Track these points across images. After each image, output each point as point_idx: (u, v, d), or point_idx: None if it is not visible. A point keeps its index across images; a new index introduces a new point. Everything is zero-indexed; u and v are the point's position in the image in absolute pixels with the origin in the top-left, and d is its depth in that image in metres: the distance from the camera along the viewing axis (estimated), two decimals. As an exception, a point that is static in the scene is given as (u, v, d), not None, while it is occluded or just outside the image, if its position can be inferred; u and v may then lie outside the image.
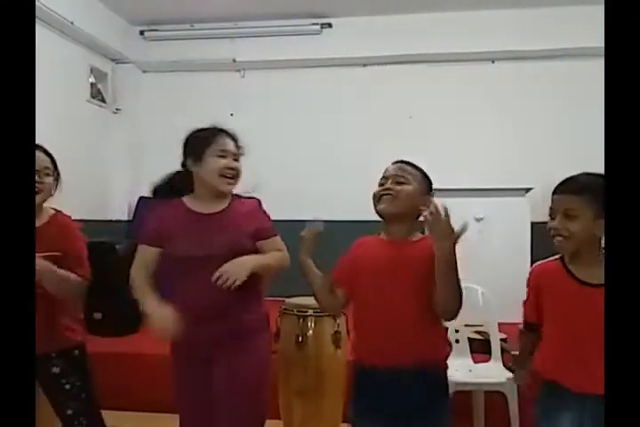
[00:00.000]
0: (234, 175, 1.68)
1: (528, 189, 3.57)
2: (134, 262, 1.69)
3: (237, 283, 1.48)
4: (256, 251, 1.65)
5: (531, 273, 1.52)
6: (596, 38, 4.09)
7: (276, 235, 1.72)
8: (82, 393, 1.72)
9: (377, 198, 1.50)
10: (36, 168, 1.62)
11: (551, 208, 1.38)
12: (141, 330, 3.13)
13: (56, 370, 1.69)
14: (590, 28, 4.13)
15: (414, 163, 1.60)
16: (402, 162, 1.59)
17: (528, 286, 1.51)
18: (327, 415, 2.27)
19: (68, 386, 1.70)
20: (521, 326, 1.57)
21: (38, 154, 1.67)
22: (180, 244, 1.61)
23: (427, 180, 1.58)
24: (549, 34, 4.24)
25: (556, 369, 1.39)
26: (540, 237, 3.54)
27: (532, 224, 3.53)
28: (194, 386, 1.64)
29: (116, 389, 2.48)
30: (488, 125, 4.48)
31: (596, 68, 4.29)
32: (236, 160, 1.72)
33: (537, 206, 3.51)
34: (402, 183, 1.49)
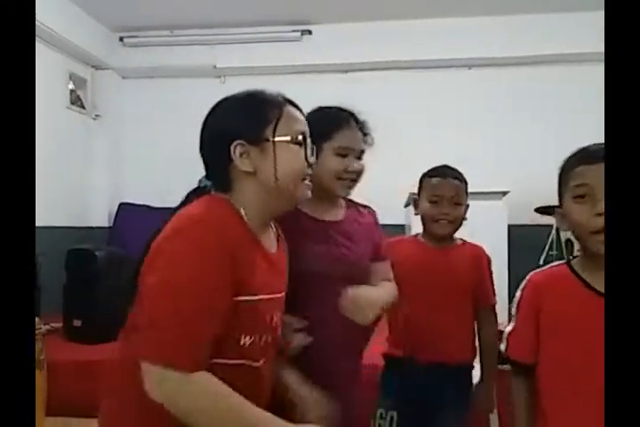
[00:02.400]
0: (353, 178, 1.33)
1: (505, 193, 3.64)
2: None
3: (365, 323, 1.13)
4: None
5: (525, 287, 1.12)
6: (571, 44, 4.26)
7: (387, 258, 1.41)
8: None
9: (432, 220, 1.49)
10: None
11: (581, 185, 0.99)
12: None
13: None
14: (566, 34, 4.28)
15: (458, 171, 1.56)
16: (452, 175, 1.53)
17: (519, 306, 1.11)
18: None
19: None
20: (506, 368, 1.16)
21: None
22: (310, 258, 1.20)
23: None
24: (525, 41, 4.34)
25: None
26: (517, 239, 3.65)
27: (509, 227, 3.60)
28: None
29: (95, 396, 2.46)
30: (465, 131, 4.55)
31: (571, 73, 4.46)
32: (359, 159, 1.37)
33: (513, 210, 3.60)
34: (457, 204, 1.48)
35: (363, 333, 1.28)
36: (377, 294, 1.20)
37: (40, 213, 1.82)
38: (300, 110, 1.14)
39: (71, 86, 4.48)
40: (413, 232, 3.64)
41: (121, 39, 4.74)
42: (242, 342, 0.95)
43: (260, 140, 1.01)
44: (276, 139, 1.01)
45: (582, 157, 1.01)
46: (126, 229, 4.40)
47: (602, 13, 3.46)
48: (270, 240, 1.09)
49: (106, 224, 4.63)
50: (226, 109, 1.11)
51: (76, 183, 4.40)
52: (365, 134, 1.43)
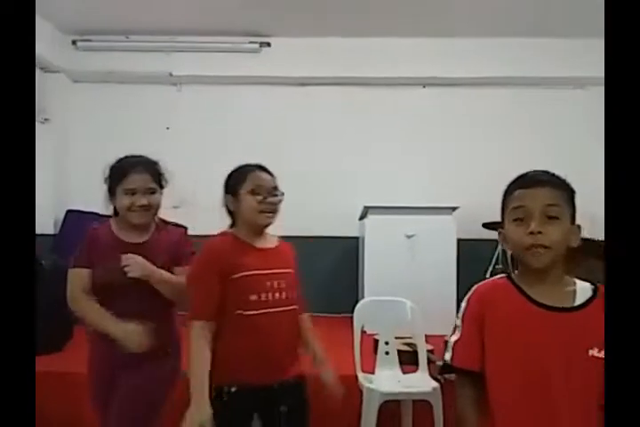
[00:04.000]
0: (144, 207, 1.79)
1: (454, 208, 3.77)
2: (74, 285, 1.75)
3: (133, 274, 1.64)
4: None
5: (469, 298, 1.17)
6: (522, 67, 4.48)
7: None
8: None
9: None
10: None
11: (519, 207, 1.08)
12: (65, 348, 3.01)
13: None
14: (517, 57, 4.50)
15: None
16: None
17: (464, 316, 1.15)
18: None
19: None
20: (450, 377, 1.21)
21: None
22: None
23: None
24: (479, 62, 4.53)
25: None
26: (466, 253, 3.78)
27: (458, 241, 3.73)
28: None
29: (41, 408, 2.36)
30: (419, 147, 4.70)
31: (518, 96, 4.68)
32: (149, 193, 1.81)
33: (462, 224, 3.73)
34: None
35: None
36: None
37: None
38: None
39: (19, 88, 4.32)
40: (367, 244, 3.75)
41: (74, 42, 4.62)
42: (251, 299, 1.52)
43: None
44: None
45: (520, 181, 1.13)
46: (73, 236, 4.24)
47: (556, 40, 3.64)
48: (266, 242, 1.65)
49: (51, 231, 4.47)
50: None
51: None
52: (154, 175, 1.82)
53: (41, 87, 4.58)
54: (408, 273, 3.59)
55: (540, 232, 1.05)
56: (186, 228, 1.94)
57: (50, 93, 4.62)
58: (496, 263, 4.01)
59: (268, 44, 4.67)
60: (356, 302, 2.67)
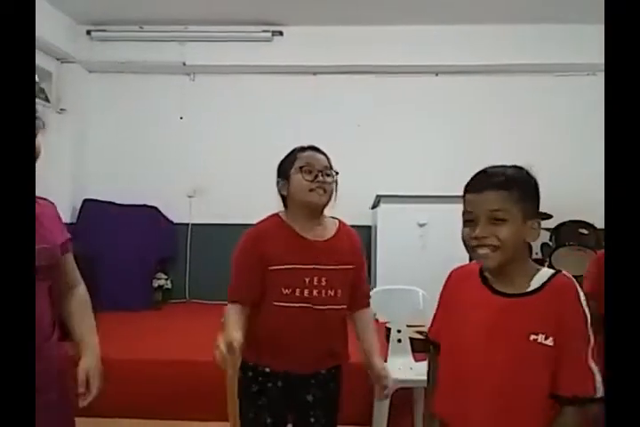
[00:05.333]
0: None
1: (467, 197, 3.76)
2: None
3: None
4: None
5: (446, 278, 1.27)
6: (538, 55, 4.42)
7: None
8: None
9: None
10: (318, 168, 1.52)
11: (468, 212, 1.11)
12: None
13: None
14: (531, 44, 4.44)
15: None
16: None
17: (440, 293, 1.27)
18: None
19: None
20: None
21: (318, 155, 1.56)
22: None
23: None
24: (491, 49, 4.47)
25: (447, 411, 1.15)
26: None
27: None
28: None
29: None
30: (432, 135, 4.67)
31: (533, 83, 4.63)
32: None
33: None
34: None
35: None
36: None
37: None
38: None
39: (36, 79, 4.38)
40: (379, 232, 3.77)
41: (88, 33, 4.66)
42: (284, 292, 1.49)
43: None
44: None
45: (471, 185, 1.14)
46: (90, 226, 4.33)
47: (563, 26, 3.60)
48: (319, 232, 1.55)
49: (68, 220, 4.55)
50: None
51: (37, 178, 4.27)
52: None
53: (58, 78, 4.64)
54: (420, 262, 3.60)
55: (484, 237, 1.07)
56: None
57: (66, 84, 4.68)
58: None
59: (281, 33, 4.65)
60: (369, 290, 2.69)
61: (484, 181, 1.11)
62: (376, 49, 4.54)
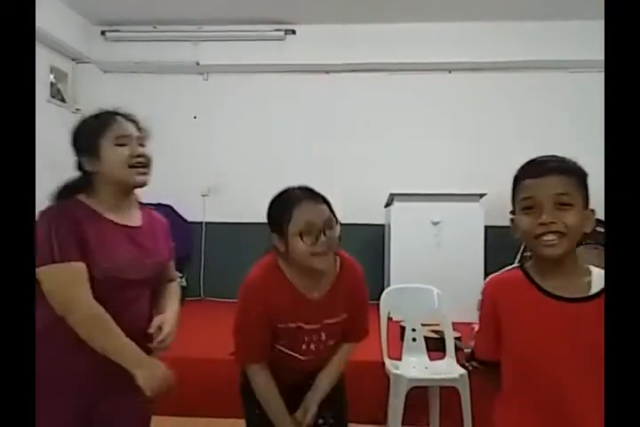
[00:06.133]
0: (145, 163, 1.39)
1: (482, 195, 3.73)
2: (77, 287, 1.22)
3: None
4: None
5: (484, 290, 1.18)
6: (548, 51, 4.37)
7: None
8: None
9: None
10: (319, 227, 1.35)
11: (527, 198, 1.05)
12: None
13: None
14: (543, 41, 4.39)
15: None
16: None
17: (481, 308, 1.18)
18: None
19: None
20: (474, 364, 1.25)
21: (317, 208, 1.38)
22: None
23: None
24: (504, 46, 4.44)
25: None
26: (494, 240, 3.74)
27: (486, 228, 3.69)
28: None
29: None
30: (445, 133, 4.64)
31: (546, 80, 4.58)
32: (142, 146, 1.43)
33: (490, 211, 3.69)
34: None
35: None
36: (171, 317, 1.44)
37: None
38: None
39: (52, 79, 4.42)
40: (393, 231, 3.76)
41: (103, 33, 4.70)
42: (284, 351, 1.45)
43: None
44: None
45: (528, 170, 1.08)
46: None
47: (578, 22, 3.56)
48: (320, 285, 1.44)
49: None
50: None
51: (53, 177, 4.33)
52: (135, 122, 1.49)
53: (73, 78, 4.69)
54: (434, 260, 3.59)
55: (552, 222, 1.02)
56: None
57: (81, 84, 4.73)
58: (524, 251, 3.96)
59: (293, 32, 4.65)
60: (382, 289, 2.69)
61: (545, 166, 1.05)
62: (388, 47, 4.52)
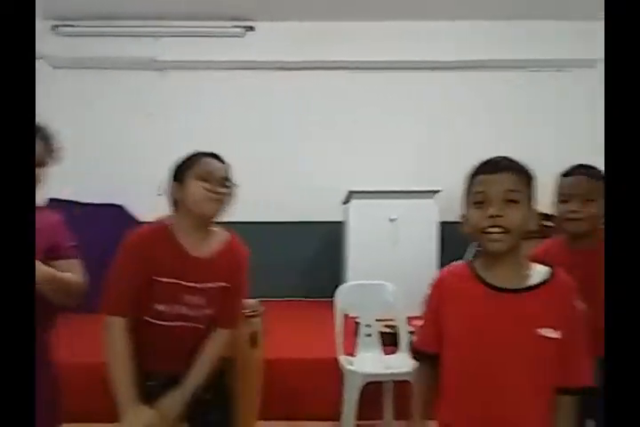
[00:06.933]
0: None
1: (436, 192, 3.79)
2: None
3: None
4: None
5: (432, 284, 1.22)
6: (512, 51, 4.48)
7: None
8: None
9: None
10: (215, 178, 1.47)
11: (478, 192, 1.12)
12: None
13: None
14: (510, 40, 4.50)
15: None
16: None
17: (426, 301, 1.22)
18: (242, 415, 2.30)
19: None
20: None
21: (218, 164, 1.51)
22: None
23: None
24: (465, 45, 4.52)
25: (460, 416, 1.11)
26: (448, 236, 3.79)
27: (441, 224, 3.76)
28: None
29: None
30: (402, 131, 4.68)
31: (510, 78, 4.68)
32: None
33: (445, 207, 3.75)
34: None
35: None
36: None
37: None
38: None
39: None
40: (351, 228, 3.78)
41: (54, 27, 4.55)
42: (159, 309, 1.43)
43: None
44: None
45: (482, 167, 1.14)
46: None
47: (549, 22, 3.62)
48: (205, 246, 1.48)
49: (35, 219, 4.44)
50: None
51: None
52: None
53: (21, 74, 4.53)
54: (391, 257, 3.62)
55: (499, 215, 1.07)
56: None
57: (30, 80, 4.57)
58: (478, 245, 4.04)
59: (252, 29, 4.62)
60: (340, 286, 2.70)
61: (500, 164, 1.12)
62: (348, 45, 4.53)
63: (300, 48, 4.56)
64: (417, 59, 4.59)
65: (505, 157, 1.15)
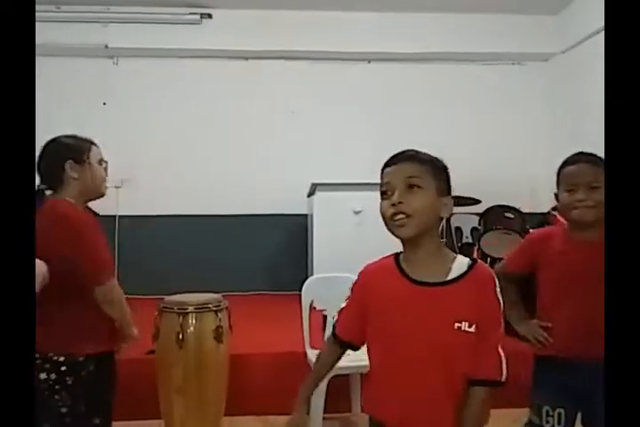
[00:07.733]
0: None
1: (400, 184, 3.81)
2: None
3: None
4: None
5: (359, 273, 1.24)
6: (469, 44, 4.55)
7: None
8: None
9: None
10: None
11: (385, 184, 1.14)
12: None
13: None
14: (466, 33, 4.56)
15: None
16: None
17: (352, 289, 1.22)
18: (209, 410, 2.26)
19: None
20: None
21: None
22: None
23: None
24: (423, 37, 4.56)
25: (379, 407, 1.15)
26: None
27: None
28: None
29: None
30: (365, 122, 4.70)
31: (464, 71, 4.74)
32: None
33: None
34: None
35: None
36: None
37: None
38: None
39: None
40: (315, 220, 3.76)
41: None
42: None
43: None
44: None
45: (388, 160, 1.18)
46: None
47: (499, 16, 3.66)
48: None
49: None
50: None
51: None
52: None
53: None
54: (356, 249, 3.61)
55: (400, 202, 1.08)
56: None
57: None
58: (441, 237, 4.10)
59: (210, 16, 4.51)
60: (306, 278, 2.68)
61: (400, 156, 1.16)
62: (308, 34, 4.50)
63: (260, 37, 4.49)
64: (377, 50, 4.60)
65: (411, 150, 1.18)
